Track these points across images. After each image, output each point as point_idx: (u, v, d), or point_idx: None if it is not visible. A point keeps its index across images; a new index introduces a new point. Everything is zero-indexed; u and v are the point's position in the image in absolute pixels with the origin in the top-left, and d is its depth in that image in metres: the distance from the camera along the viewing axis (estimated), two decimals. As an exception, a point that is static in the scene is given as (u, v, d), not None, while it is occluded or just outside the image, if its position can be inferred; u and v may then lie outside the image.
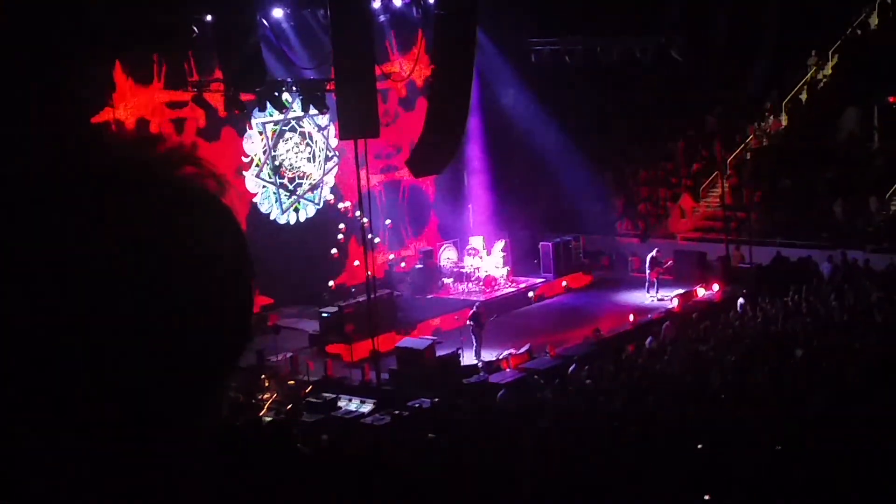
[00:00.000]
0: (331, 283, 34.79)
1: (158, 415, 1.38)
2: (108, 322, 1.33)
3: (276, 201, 34.99)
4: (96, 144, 1.44)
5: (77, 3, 26.13)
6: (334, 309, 31.48)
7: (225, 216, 1.46)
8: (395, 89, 37.28)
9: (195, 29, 31.10)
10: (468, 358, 28.55)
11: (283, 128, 34.99)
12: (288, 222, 35.33)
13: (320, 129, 36.05)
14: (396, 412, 24.24)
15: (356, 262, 35.52)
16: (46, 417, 1.34)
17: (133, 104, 30.90)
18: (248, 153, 34.02)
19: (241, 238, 1.48)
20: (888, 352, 23.16)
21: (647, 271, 34.83)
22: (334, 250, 35.80)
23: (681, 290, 33.39)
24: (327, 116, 34.71)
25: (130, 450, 1.38)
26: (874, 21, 42.40)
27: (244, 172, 33.82)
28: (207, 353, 1.42)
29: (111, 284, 1.33)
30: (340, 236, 35.88)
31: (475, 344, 29.25)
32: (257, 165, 34.32)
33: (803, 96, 41.86)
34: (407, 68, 36.34)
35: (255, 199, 34.20)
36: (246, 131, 33.88)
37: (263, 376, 26.88)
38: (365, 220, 29.26)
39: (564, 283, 36.65)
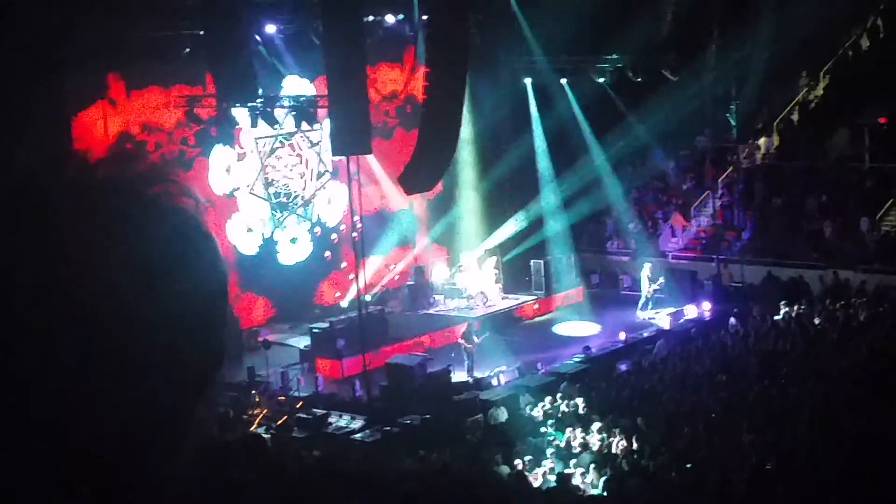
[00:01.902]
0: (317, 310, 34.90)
1: (135, 431, 1.38)
2: (82, 336, 1.33)
3: (270, 217, 34.95)
4: (75, 160, 1.44)
5: (66, 17, 26.11)
6: (325, 325, 31.47)
7: (201, 234, 1.46)
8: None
9: (188, 44, 31.15)
10: (459, 375, 28.52)
11: (276, 144, 34.95)
12: (278, 238, 35.29)
13: (312, 144, 36.03)
14: (387, 428, 24.20)
15: (337, 294, 35.64)
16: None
17: (124, 116, 30.90)
18: (243, 146, 33.97)
19: (217, 256, 1.48)
20: (878, 371, 23.20)
21: (644, 289, 34.84)
22: (328, 253, 35.85)
23: (672, 309, 33.39)
24: (320, 132, 34.70)
25: (107, 470, 1.37)
26: (865, 42, 42.56)
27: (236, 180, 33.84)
28: (182, 369, 1.41)
29: (85, 299, 1.33)
30: (327, 254, 35.96)
31: (467, 360, 29.22)
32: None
33: (795, 116, 41.99)
34: (399, 85, 36.37)
35: (246, 214, 34.17)
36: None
37: (253, 392, 26.83)
38: (355, 234, 29.21)
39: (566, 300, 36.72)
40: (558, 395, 24.74)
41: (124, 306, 1.35)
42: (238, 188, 33.98)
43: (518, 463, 19.44)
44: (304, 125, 32.98)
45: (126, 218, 1.39)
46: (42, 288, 1.33)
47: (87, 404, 1.34)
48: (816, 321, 28.91)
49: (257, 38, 32.46)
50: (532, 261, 37.36)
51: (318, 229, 36.23)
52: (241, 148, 33.90)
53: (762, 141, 41.09)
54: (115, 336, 1.34)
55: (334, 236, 36.43)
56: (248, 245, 34.12)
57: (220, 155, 33.38)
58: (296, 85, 33.66)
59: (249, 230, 34.33)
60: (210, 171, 32.99)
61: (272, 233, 34.97)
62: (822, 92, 42.13)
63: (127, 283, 1.35)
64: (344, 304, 34.80)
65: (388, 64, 36.93)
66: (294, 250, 35.52)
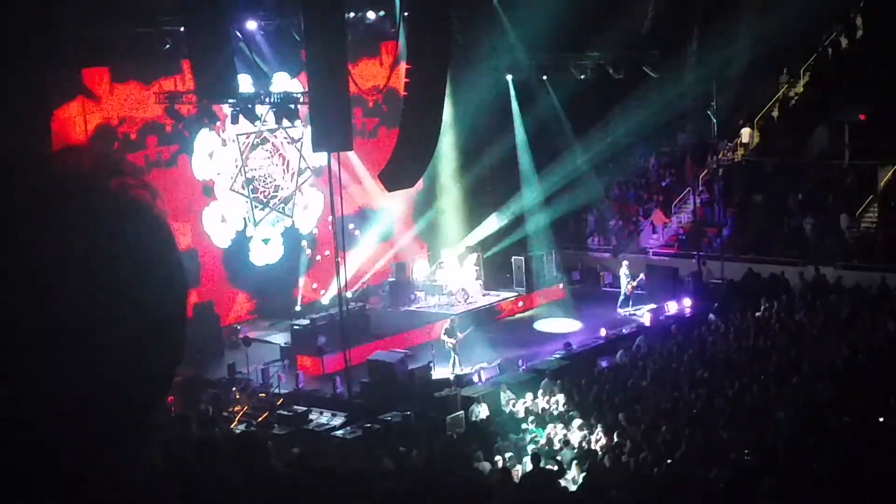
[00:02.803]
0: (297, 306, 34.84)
1: (102, 428, 1.37)
2: (40, 333, 1.31)
3: (249, 214, 34.86)
4: (31, 154, 1.43)
5: (45, 13, 26.03)
6: (306, 321, 31.43)
7: (158, 226, 1.45)
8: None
9: (168, 40, 31.07)
10: (440, 371, 28.52)
11: (256, 140, 34.86)
12: (259, 235, 35.17)
13: (293, 141, 35.95)
14: (368, 425, 24.17)
15: (314, 285, 35.59)
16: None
17: (105, 111, 30.78)
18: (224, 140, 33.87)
19: (173, 247, 1.47)
20: (858, 367, 23.30)
21: (623, 286, 34.92)
22: (309, 250, 35.76)
23: (652, 305, 33.44)
24: (301, 129, 34.61)
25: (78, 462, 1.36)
26: (844, 41, 42.73)
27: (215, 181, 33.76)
28: (142, 364, 1.40)
29: (41, 295, 1.32)
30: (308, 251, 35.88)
31: (449, 357, 29.21)
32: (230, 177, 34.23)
33: (775, 113, 42.12)
34: (380, 82, 36.31)
35: (223, 204, 34.04)
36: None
37: (234, 389, 26.80)
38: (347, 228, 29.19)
39: (541, 298, 36.75)
40: (539, 391, 24.77)
41: (82, 301, 1.33)
42: (220, 173, 33.88)
43: (499, 460, 19.44)
44: (286, 122, 32.89)
45: (82, 212, 1.37)
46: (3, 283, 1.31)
47: (49, 401, 1.33)
48: (797, 317, 29.00)
49: (238, 34, 32.36)
50: (513, 257, 37.36)
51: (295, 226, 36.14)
52: (223, 135, 33.78)
53: (745, 131, 41.18)
54: (72, 332, 1.32)
55: (315, 231, 36.39)
56: (221, 236, 33.91)
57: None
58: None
59: (223, 220, 34.14)
60: (193, 157, 32.95)
61: (246, 227, 34.76)
62: (802, 89, 42.28)
63: (84, 278, 1.34)
64: (325, 300, 34.76)
65: (369, 58, 36.88)
66: (266, 251, 35.31)
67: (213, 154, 33.60)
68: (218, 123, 32.57)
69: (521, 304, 36.46)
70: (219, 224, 33.80)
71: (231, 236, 34.19)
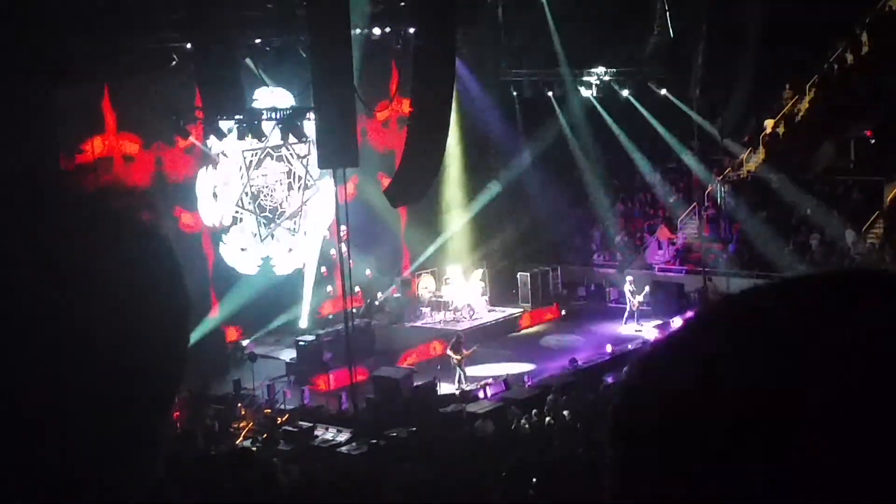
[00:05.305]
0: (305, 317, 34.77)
1: (102, 448, 1.37)
2: (40, 350, 1.31)
3: (256, 230, 34.82)
4: (30, 176, 1.43)
5: (54, 32, 26.10)
6: (311, 337, 31.40)
7: (158, 247, 1.45)
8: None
9: (175, 57, 31.09)
10: (446, 387, 28.48)
11: (262, 156, 34.85)
12: (266, 252, 35.08)
13: (300, 157, 35.92)
14: (373, 441, 24.14)
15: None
16: None
17: (112, 140, 30.77)
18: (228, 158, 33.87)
19: (174, 268, 1.47)
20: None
21: (629, 301, 34.88)
22: (323, 268, 35.66)
23: (658, 322, 33.38)
24: (307, 145, 34.60)
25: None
26: (850, 56, 42.68)
27: (217, 196, 33.70)
28: (145, 384, 1.40)
29: (43, 313, 1.32)
30: (323, 269, 35.77)
31: (455, 373, 29.18)
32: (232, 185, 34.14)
33: (780, 129, 42.07)
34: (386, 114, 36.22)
35: (232, 227, 33.99)
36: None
37: (240, 405, 26.79)
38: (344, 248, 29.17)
39: (549, 314, 36.73)
40: (545, 407, 24.72)
41: (84, 320, 1.33)
42: (226, 213, 33.88)
43: (504, 475, 19.38)
44: (291, 138, 32.91)
45: (87, 233, 1.38)
46: (2, 303, 1.32)
47: (50, 419, 1.33)
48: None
49: (245, 50, 32.37)
50: (519, 273, 37.33)
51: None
52: (225, 157, 33.75)
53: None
54: (73, 351, 1.32)
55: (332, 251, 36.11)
56: (245, 264, 33.90)
57: (204, 180, 33.28)
58: (269, 96, 33.39)
59: (243, 249, 34.18)
60: (199, 202, 32.89)
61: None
62: (807, 105, 42.23)
63: (86, 298, 1.34)
64: (330, 316, 34.72)
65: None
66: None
67: (217, 193, 33.57)
68: (226, 139, 32.60)
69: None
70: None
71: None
